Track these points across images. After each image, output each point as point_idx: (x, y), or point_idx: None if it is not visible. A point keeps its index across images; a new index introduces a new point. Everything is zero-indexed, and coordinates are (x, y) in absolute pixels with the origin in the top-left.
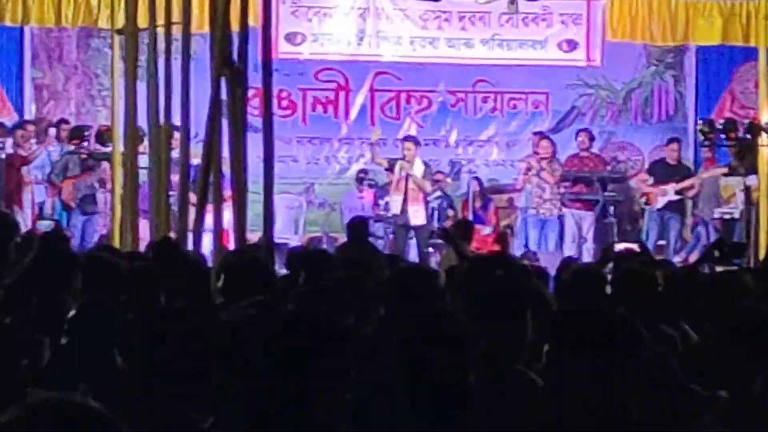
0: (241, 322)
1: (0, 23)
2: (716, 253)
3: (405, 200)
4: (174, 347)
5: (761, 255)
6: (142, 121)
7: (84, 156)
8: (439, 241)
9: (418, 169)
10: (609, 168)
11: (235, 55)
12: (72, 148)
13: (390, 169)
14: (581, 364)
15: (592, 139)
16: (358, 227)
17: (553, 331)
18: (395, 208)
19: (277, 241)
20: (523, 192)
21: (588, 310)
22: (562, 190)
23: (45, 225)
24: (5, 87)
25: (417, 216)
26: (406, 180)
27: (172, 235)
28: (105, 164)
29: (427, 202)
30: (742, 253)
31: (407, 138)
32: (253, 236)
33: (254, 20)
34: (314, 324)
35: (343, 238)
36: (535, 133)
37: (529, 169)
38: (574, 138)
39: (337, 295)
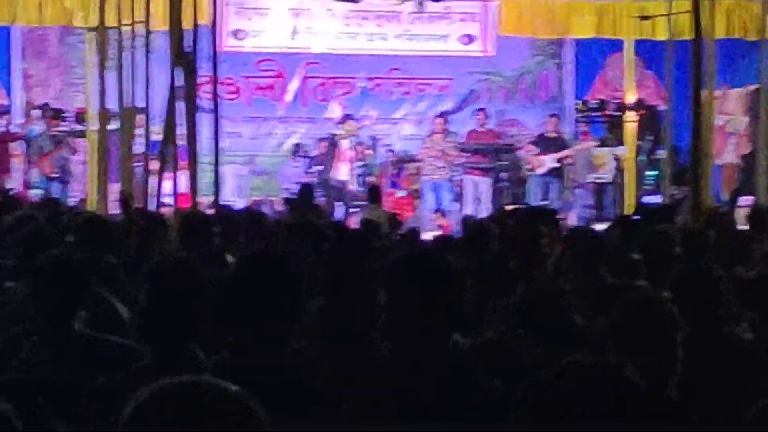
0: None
1: None
2: None
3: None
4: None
5: (627, 210)
6: (112, 104)
7: (54, 134)
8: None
9: (345, 142)
10: (501, 141)
11: (188, 49)
12: (53, 126)
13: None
14: (411, 303)
15: (487, 117)
16: (305, 192)
17: (387, 277)
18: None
19: (225, 203)
20: (427, 161)
21: (412, 255)
22: (463, 159)
23: (34, 194)
24: None
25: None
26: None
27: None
28: (71, 139)
29: (352, 169)
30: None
31: (347, 117)
32: (205, 199)
33: (205, 19)
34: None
35: (278, 201)
36: (437, 115)
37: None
38: (473, 116)
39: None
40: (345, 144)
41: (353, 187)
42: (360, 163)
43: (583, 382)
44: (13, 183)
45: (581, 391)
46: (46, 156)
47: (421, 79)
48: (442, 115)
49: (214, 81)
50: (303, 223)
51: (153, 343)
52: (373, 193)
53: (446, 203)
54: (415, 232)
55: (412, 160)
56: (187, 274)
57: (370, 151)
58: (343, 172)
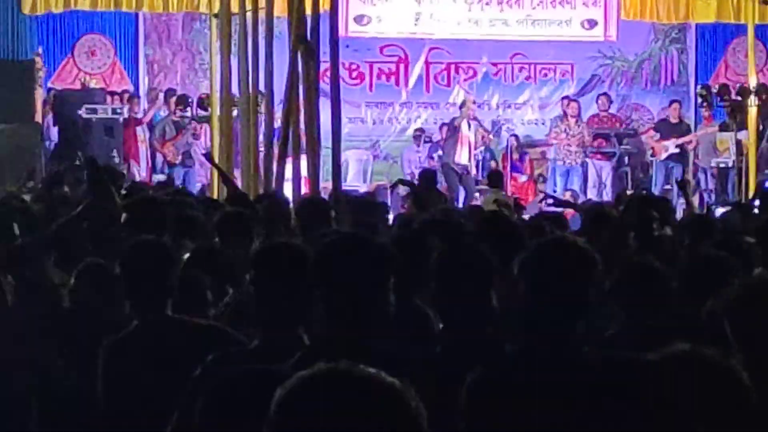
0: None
1: (118, 9)
2: None
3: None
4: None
5: (750, 195)
6: (236, 90)
7: (177, 119)
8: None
9: (465, 126)
10: (624, 126)
11: (308, 35)
12: (178, 112)
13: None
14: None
15: (610, 101)
16: (428, 176)
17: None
18: (464, 159)
19: (348, 188)
20: (552, 146)
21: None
22: (586, 143)
23: (159, 177)
24: (123, 62)
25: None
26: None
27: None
28: (194, 124)
29: (474, 154)
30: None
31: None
32: (327, 184)
33: (327, 5)
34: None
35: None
36: (564, 98)
37: (562, 128)
38: (595, 101)
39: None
40: (464, 128)
41: (474, 171)
42: (482, 148)
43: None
44: (142, 167)
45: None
46: (169, 141)
47: (544, 64)
48: (570, 99)
49: (333, 67)
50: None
51: (262, 327)
52: (495, 178)
53: (576, 187)
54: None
55: (534, 145)
56: (292, 257)
57: (492, 136)
58: (464, 156)
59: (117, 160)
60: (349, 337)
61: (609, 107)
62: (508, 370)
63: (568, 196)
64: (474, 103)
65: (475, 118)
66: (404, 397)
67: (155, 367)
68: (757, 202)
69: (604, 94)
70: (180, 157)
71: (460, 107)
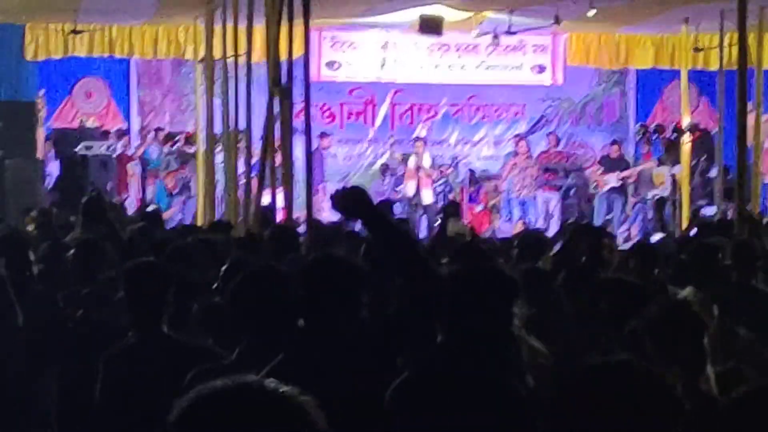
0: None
1: (112, 55)
2: None
3: (418, 185)
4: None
5: (683, 226)
6: (218, 128)
7: (176, 155)
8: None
9: (426, 161)
10: (570, 161)
11: (284, 78)
12: (167, 148)
13: (404, 161)
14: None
15: (558, 139)
16: (384, 207)
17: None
18: (410, 192)
19: (322, 219)
20: (506, 180)
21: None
22: (536, 177)
23: (150, 208)
24: (118, 103)
25: (426, 197)
26: (418, 170)
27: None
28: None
29: (434, 187)
30: None
31: (417, 138)
32: (301, 215)
33: (301, 52)
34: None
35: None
36: (515, 136)
37: (513, 164)
38: (545, 138)
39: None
40: (411, 163)
41: (427, 202)
42: (441, 181)
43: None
44: (130, 200)
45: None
46: (171, 173)
47: (498, 105)
48: (521, 137)
49: (307, 107)
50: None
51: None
52: (453, 208)
53: (527, 217)
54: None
55: (489, 178)
56: (270, 280)
57: (451, 170)
58: (412, 188)
59: (111, 192)
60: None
61: (557, 144)
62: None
63: (520, 225)
64: (421, 141)
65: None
66: (304, 409)
67: (152, 378)
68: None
69: (552, 132)
70: (178, 189)
71: (414, 142)
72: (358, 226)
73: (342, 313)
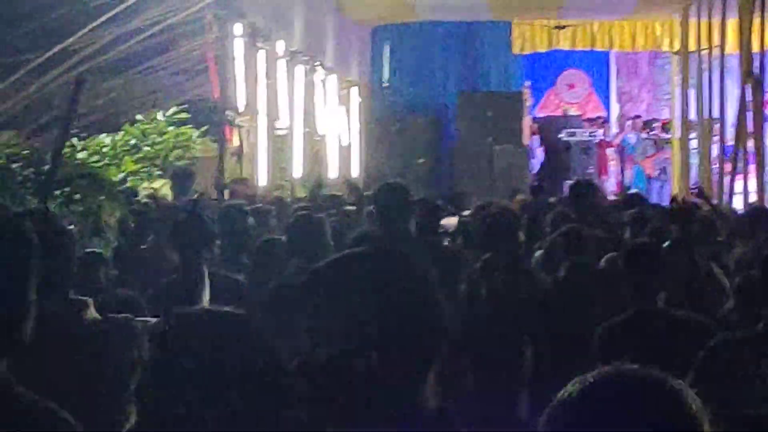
0: None
1: (593, 48)
2: None
3: None
4: None
5: None
6: (693, 116)
7: (653, 141)
8: None
9: None
10: None
11: (755, 69)
12: (644, 135)
13: None
14: None
15: None
16: None
17: None
18: None
19: None
20: None
21: None
22: None
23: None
24: (598, 93)
25: None
26: None
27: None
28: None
29: None
30: None
31: None
32: None
33: None
34: None
35: None
36: None
37: None
38: None
39: None
40: None
41: None
42: None
43: None
44: (608, 184)
45: None
46: (649, 158)
47: None
48: None
49: None
50: None
51: None
52: None
53: None
54: None
55: None
56: None
57: None
58: None
59: (592, 175)
60: None
61: None
62: None
63: None
64: None
65: None
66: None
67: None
68: None
69: None
70: (657, 172)
71: None
72: None
73: None
